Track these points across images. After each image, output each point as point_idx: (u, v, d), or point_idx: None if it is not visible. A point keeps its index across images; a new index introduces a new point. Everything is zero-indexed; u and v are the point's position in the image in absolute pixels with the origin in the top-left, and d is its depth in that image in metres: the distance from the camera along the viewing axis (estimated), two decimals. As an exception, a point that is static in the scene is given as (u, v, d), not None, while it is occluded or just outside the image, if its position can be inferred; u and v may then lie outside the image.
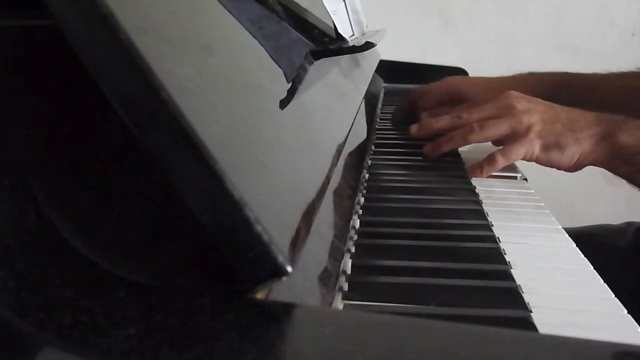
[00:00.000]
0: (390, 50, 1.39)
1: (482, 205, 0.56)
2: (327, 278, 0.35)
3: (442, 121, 0.73)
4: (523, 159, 0.67)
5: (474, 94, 0.89)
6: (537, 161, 0.67)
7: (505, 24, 2.02)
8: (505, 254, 0.45)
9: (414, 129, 0.74)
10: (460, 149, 0.79)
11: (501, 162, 0.66)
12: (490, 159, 0.67)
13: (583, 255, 0.47)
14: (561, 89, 0.87)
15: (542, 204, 0.59)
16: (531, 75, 0.92)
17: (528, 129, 0.65)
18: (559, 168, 0.68)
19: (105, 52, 0.23)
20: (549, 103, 0.68)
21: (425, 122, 0.75)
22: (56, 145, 0.27)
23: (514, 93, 0.70)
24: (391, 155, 0.73)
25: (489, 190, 0.62)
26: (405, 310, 0.36)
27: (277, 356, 0.21)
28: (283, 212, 0.27)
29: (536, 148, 0.66)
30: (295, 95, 0.43)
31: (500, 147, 0.67)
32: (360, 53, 0.89)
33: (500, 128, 0.67)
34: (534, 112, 0.66)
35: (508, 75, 0.93)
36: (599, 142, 0.65)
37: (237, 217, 0.23)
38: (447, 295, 0.38)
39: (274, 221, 0.25)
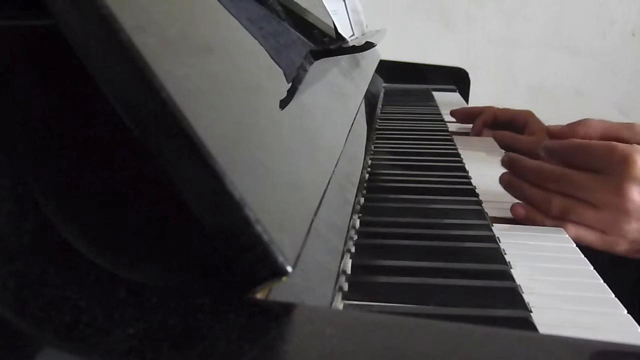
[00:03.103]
0: (390, 50, 1.39)
1: (482, 205, 0.56)
2: (327, 278, 0.35)
3: (531, 193, 0.56)
4: (592, 247, 0.53)
5: (534, 131, 0.87)
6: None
7: (505, 24, 2.02)
8: (505, 254, 0.45)
9: (503, 181, 0.59)
10: (460, 146, 0.79)
11: (570, 234, 0.52)
12: (560, 222, 0.53)
13: (583, 255, 0.47)
14: None
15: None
16: None
17: (618, 233, 0.51)
18: None
19: (105, 52, 0.23)
20: None
21: (515, 182, 0.58)
22: (56, 145, 0.27)
23: (632, 159, 0.50)
24: (391, 155, 0.73)
25: (489, 190, 0.61)
26: (405, 310, 0.36)
27: (277, 356, 0.21)
28: (283, 212, 0.27)
29: (620, 247, 0.52)
30: (295, 95, 0.43)
31: (577, 226, 0.53)
32: (360, 53, 0.89)
33: (585, 220, 0.52)
34: None
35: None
36: None
37: (237, 217, 0.23)
38: (447, 295, 0.38)
39: (274, 221, 0.25)
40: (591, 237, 0.52)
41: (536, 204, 0.54)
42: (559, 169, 0.55)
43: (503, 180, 0.59)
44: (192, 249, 0.26)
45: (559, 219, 0.53)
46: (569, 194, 0.53)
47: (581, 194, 0.52)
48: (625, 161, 0.50)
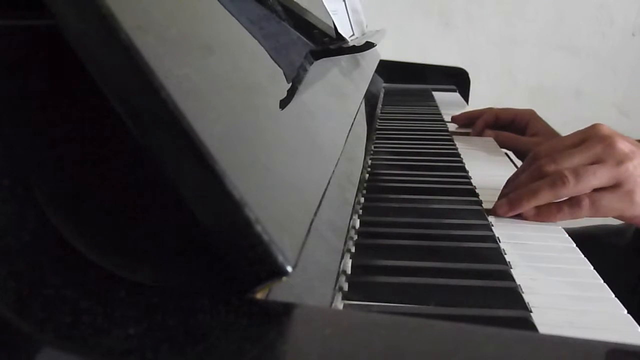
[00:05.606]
0: (390, 50, 1.39)
1: (482, 205, 0.56)
2: (327, 278, 0.35)
3: (523, 180, 0.56)
4: (613, 216, 0.55)
5: (536, 131, 0.87)
6: (634, 222, 0.55)
7: (505, 24, 2.02)
8: (505, 254, 0.45)
9: (500, 209, 0.55)
10: (460, 146, 0.79)
11: (587, 213, 0.53)
12: (574, 204, 0.53)
13: (583, 255, 0.47)
14: None
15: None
16: None
17: (634, 180, 0.52)
18: None
19: (105, 52, 0.23)
20: None
21: (517, 192, 0.56)
22: (56, 145, 0.27)
23: (605, 127, 0.56)
24: (391, 155, 0.73)
25: (489, 190, 0.61)
26: (405, 310, 0.36)
27: (277, 356, 0.21)
28: (283, 212, 0.27)
29: (638, 206, 0.53)
30: (295, 95, 0.43)
31: (591, 193, 0.54)
32: (360, 53, 0.89)
33: (601, 177, 0.53)
34: (639, 157, 0.53)
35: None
36: None
37: (237, 217, 0.23)
38: (447, 295, 0.38)
39: (274, 221, 0.25)
40: (610, 198, 0.53)
41: (548, 188, 0.53)
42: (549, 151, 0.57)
43: (502, 208, 0.55)
44: (192, 249, 0.26)
45: (578, 189, 0.53)
46: (571, 166, 0.54)
47: (581, 159, 0.54)
48: (594, 128, 0.56)
